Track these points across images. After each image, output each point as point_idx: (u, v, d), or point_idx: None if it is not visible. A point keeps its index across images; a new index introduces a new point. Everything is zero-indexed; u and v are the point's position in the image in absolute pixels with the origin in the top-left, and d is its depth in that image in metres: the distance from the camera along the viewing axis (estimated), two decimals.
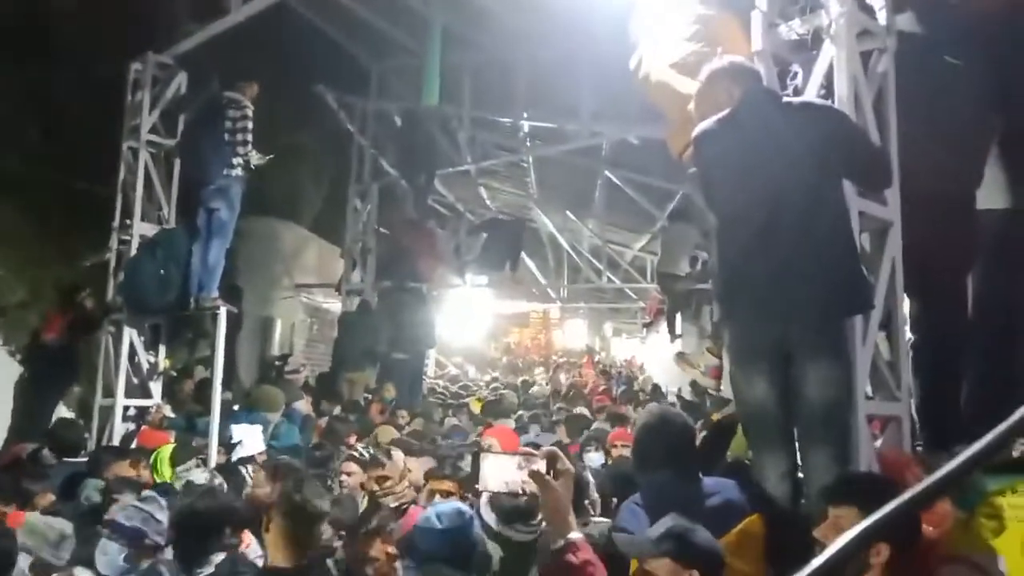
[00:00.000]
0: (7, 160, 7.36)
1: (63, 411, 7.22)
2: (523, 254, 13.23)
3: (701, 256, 10.67)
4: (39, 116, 7.68)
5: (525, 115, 10.18)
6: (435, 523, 2.77)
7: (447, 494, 3.60)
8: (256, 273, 11.24)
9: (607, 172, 11.13)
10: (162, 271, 6.39)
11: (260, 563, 3.13)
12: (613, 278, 13.86)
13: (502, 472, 1.84)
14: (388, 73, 10.76)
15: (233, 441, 5.57)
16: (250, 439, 5.67)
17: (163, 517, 3.28)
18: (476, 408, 9.86)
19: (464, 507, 2.94)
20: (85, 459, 5.32)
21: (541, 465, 1.78)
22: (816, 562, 0.65)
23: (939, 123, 3.28)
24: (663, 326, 12.20)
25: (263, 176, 6.99)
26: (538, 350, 27.54)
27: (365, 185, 11.24)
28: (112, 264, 6.76)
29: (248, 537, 3.49)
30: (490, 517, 2.92)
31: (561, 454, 1.82)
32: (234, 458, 5.43)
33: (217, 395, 6.44)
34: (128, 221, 6.75)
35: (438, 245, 10.76)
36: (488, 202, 12.70)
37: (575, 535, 1.72)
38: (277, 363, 10.44)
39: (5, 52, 7.49)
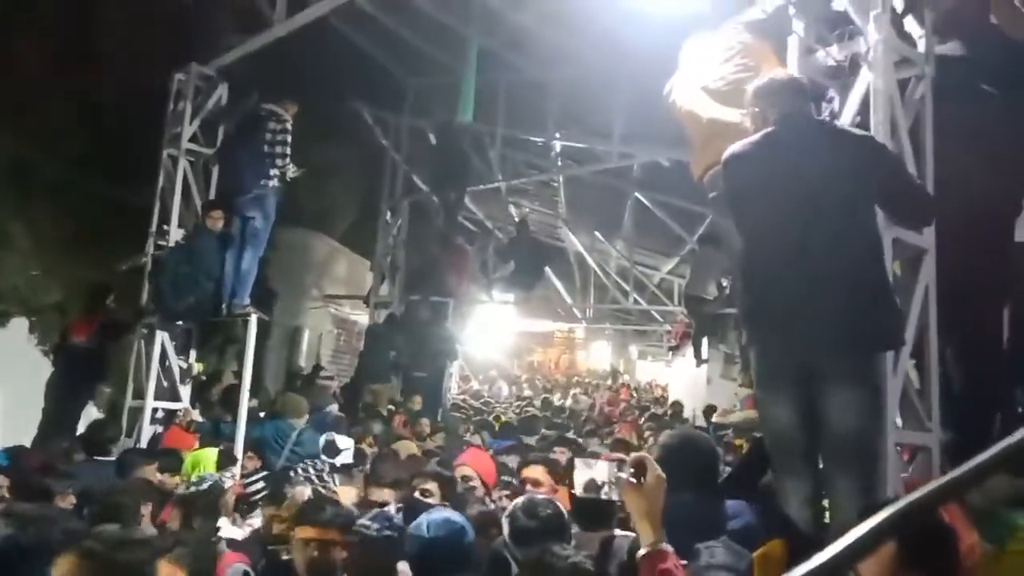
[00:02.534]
0: (49, 165, 7.56)
1: (93, 411, 7.34)
2: (550, 273, 13.26)
3: (730, 280, 10.62)
4: (82, 123, 7.88)
5: (557, 135, 10.25)
6: (423, 531, 2.78)
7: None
8: (286, 283, 11.38)
9: (637, 194, 11.14)
10: (189, 277, 6.51)
11: None
12: (640, 300, 13.81)
13: (594, 477, 1.88)
14: (423, 90, 10.91)
15: (342, 447, 5.68)
16: (347, 448, 5.77)
17: None
18: (497, 425, 9.85)
19: (455, 516, 2.94)
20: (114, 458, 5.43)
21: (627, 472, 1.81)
22: (823, 556, 0.65)
23: (977, 152, 3.26)
24: (689, 350, 12.13)
25: (296, 187, 7.11)
26: (562, 370, 27.43)
27: (396, 200, 11.38)
28: (148, 269, 6.90)
29: None
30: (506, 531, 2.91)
31: (651, 460, 1.84)
32: (339, 463, 5.53)
33: (244, 401, 6.54)
34: (166, 227, 6.90)
35: (466, 261, 10.82)
36: (517, 220, 12.75)
37: (664, 545, 1.73)
38: (309, 373, 10.55)
39: (51, 60, 7.72)
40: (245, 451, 5.92)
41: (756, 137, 2.89)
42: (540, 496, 3.10)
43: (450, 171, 10.46)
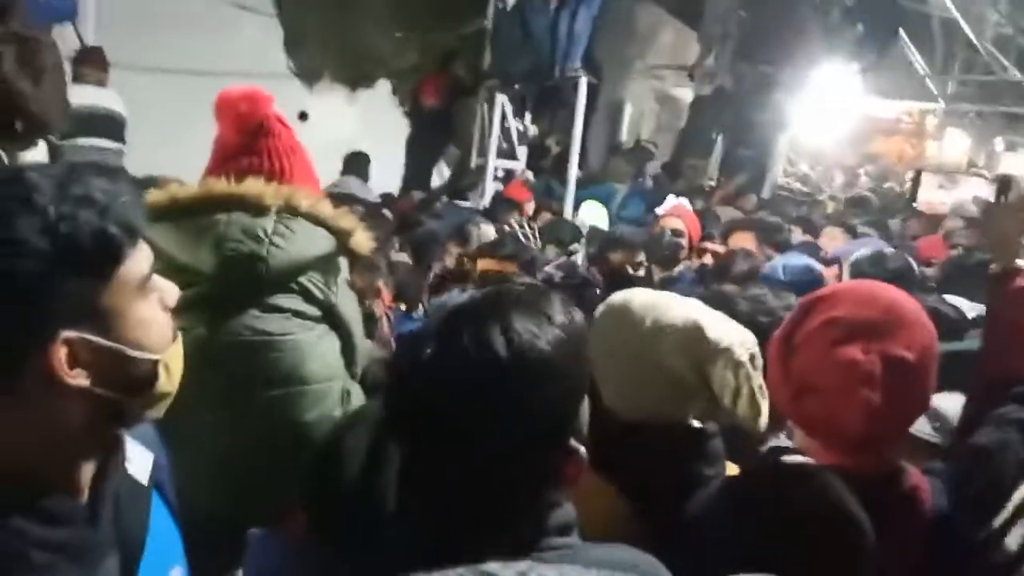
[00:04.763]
0: None
1: (443, 167, 8.26)
2: (905, 40, 11.51)
3: None
4: None
5: None
6: (779, 274, 2.77)
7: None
8: (609, 55, 11.24)
9: None
10: (522, 40, 6.73)
11: None
12: (1018, 73, 11.51)
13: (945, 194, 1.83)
14: None
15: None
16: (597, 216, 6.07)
17: None
18: (829, 208, 9.33)
19: (814, 264, 2.88)
20: (470, 204, 6.18)
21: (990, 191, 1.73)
22: None
23: None
24: None
25: None
26: (906, 163, 24.38)
27: None
28: (489, 32, 7.27)
29: None
30: None
31: (1017, 180, 1.73)
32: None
33: (574, 163, 6.89)
34: None
35: (806, 23, 9.75)
36: None
37: (1019, 262, 1.65)
38: (631, 148, 10.70)
39: None
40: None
41: None
42: (889, 250, 2.98)
43: None
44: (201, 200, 1.39)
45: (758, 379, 1.34)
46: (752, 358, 1.36)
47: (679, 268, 3.71)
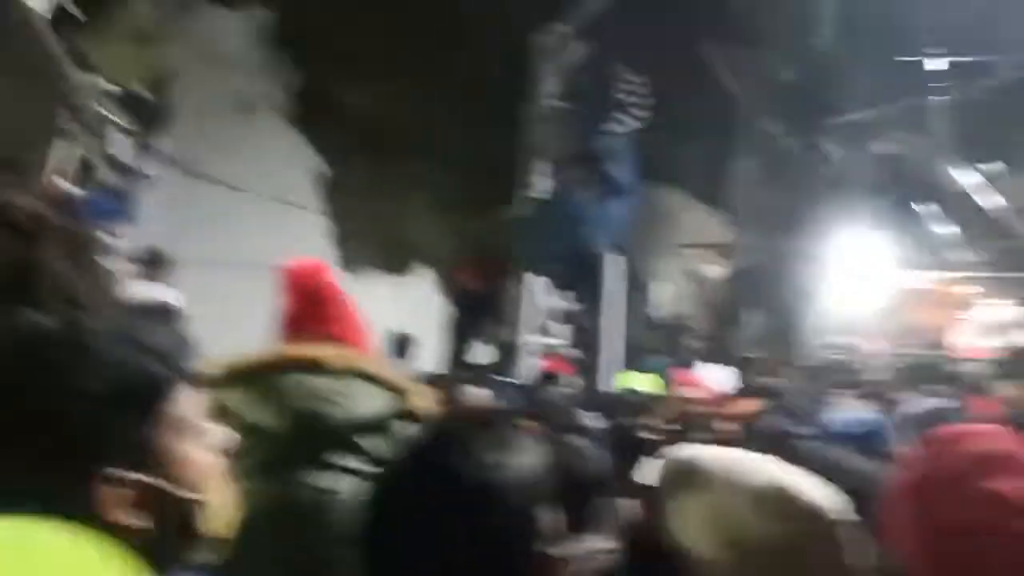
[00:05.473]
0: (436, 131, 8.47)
1: (481, 346, 8.40)
2: (926, 213, 11.83)
3: None
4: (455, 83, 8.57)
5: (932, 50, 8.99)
6: (836, 427, 2.76)
7: None
8: (637, 236, 11.67)
9: None
10: (556, 225, 7.16)
11: None
12: None
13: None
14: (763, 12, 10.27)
15: None
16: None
17: None
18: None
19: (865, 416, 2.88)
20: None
21: None
22: None
23: None
24: None
25: (644, 139, 7.35)
26: (940, 334, 23.97)
27: (753, 144, 11.01)
28: (521, 219, 7.70)
29: None
30: None
31: None
32: None
33: (599, 340, 7.08)
34: (532, 179, 7.63)
35: (822, 203, 10.16)
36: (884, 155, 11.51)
37: None
38: (667, 323, 10.90)
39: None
40: None
41: None
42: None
43: (805, 107, 9.89)
44: (270, 364, 1.46)
45: None
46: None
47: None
